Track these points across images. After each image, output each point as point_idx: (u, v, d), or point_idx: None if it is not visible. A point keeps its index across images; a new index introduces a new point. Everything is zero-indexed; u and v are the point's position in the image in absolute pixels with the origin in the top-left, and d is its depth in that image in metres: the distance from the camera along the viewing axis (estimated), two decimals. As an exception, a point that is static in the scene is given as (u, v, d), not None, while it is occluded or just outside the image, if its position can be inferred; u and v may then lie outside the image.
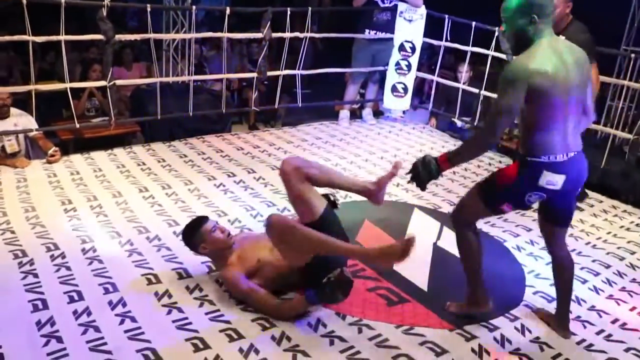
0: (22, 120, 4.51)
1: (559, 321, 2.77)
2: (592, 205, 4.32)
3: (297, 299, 2.66)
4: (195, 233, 2.82)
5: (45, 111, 5.34)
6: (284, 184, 2.84)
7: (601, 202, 4.42)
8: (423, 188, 2.59)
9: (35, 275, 2.86)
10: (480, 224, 3.78)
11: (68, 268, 2.95)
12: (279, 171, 2.85)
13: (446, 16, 5.52)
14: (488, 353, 2.54)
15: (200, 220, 2.87)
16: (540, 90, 2.31)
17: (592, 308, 2.96)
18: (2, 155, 4.39)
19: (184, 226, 2.93)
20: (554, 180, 2.45)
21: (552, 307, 2.92)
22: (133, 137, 5.68)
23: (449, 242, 3.51)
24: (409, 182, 2.59)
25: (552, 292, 3.04)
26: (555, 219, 2.65)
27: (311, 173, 2.82)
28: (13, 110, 4.51)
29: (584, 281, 3.21)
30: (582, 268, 3.34)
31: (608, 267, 3.40)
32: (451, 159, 2.50)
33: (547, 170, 2.43)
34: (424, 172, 2.51)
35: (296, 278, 2.76)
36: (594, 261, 3.45)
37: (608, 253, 3.57)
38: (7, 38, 4.45)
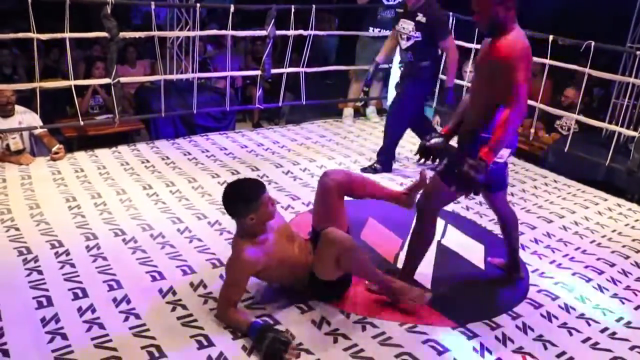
0: (27, 118, 4.52)
1: (513, 267, 3.12)
2: (597, 204, 4.30)
3: (245, 322, 2.48)
4: (253, 200, 2.46)
5: (50, 109, 5.35)
6: (321, 196, 2.82)
7: (606, 200, 4.40)
8: (478, 192, 2.67)
9: (40, 272, 2.87)
10: (484, 222, 3.79)
11: (72, 265, 2.96)
12: (320, 183, 2.82)
13: (450, 13, 5.49)
14: (490, 352, 2.53)
15: (260, 187, 2.52)
16: (528, 69, 2.50)
17: (596, 306, 2.95)
18: (7, 152, 4.40)
19: (235, 186, 2.56)
20: (503, 154, 2.64)
21: (555, 305, 2.92)
22: (137, 135, 5.69)
23: (453, 240, 3.51)
24: (460, 194, 2.72)
25: (557, 290, 3.06)
26: (494, 186, 2.86)
27: (354, 187, 2.85)
28: (18, 107, 4.52)
29: (589, 279, 3.20)
30: (586, 266, 3.34)
31: (613, 265, 3.39)
32: (494, 149, 2.50)
33: None
34: (476, 175, 2.49)
35: (300, 286, 2.73)
36: (598, 259, 3.44)
37: (613, 251, 3.56)
38: (12, 36, 4.48)
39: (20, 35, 4.29)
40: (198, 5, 4.98)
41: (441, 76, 5.05)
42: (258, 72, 5.36)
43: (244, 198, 2.48)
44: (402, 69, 4.60)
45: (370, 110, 6.19)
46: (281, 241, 2.63)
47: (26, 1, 4.04)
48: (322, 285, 2.66)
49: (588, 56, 4.67)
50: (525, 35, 2.56)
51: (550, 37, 4.82)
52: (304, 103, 5.69)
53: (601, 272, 3.29)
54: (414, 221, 2.91)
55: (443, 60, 4.77)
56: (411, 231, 2.94)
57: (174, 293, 2.76)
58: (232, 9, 4.89)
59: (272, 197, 2.57)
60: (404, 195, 2.98)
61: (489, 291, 3.05)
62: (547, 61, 4.92)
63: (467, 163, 2.49)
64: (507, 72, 2.45)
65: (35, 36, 4.17)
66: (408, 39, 4.31)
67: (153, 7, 4.67)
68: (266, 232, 2.57)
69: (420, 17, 4.22)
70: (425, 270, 3.14)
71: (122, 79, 4.80)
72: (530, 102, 5.29)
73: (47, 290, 2.73)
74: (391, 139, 4.63)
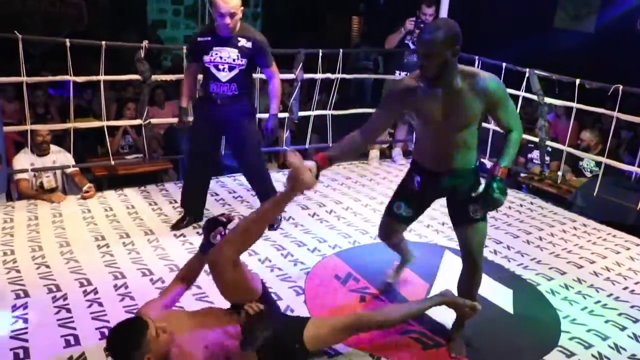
0: (60, 157, 4.63)
1: None
2: (628, 249, 4.21)
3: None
4: (140, 344, 2.16)
5: (81, 148, 5.47)
6: (217, 277, 2.38)
7: (638, 245, 4.30)
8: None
9: (68, 310, 2.90)
10: (512, 266, 3.74)
11: (100, 304, 2.98)
12: (210, 263, 2.40)
13: (476, 57, 5.54)
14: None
15: (139, 329, 2.19)
16: None
17: (632, 357, 2.86)
18: (40, 190, 4.50)
19: (114, 342, 2.20)
20: None
21: (589, 354, 2.84)
22: (165, 174, 5.77)
23: (481, 285, 3.45)
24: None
25: (590, 338, 2.98)
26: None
27: (245, 247, 2.47)
28: (52, 147, 4.64)
29: (623, 328, 3.11)
30: (620, 314, 3.25)
31: (648, 313, 3.30)
32: (509, 164, 2.55)
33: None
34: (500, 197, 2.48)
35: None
36: (632, 307, 3.34)
37: (647, 298, 3.47)
38: (50, 78, 4.63)
39: (59, 77, 4.44)
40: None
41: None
42: (285, 115, 5.43)
43: (129, 350, 2.17)
44: (216, 105, 3.81)
45: (397, 152, 6.20)
46: (197, 345, 2.29)
47: (62, 44, 4.20)
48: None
49: (615, 98, 4.64)
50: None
51: (577, 81, 4.83)
52: (330, 145, 5.73)
53: (636, 321, 3.20)
54: (466, 268, 2.78)
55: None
56: (465, 278, 2.81)
57: (201, 334, 2.75)
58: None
59: (159, 324, 2.24)
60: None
61: (518, 337, 2.97)
62: (574, 104, 4.92)
63: (494, 187, 2.47)
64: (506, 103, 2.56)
65: (72, 79, 4.31)
66: (231, 68, 3.75)
67: (185, 51, 4.79)
68: (171, 352, 2.25)
69: (245, 42, 3.72)
70: (452, 316, 3.09)
71: (153, 120, 4.90)
72: (556, 145, 5.31)
73: (74, 328, 2.75)
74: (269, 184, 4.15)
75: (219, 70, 3.74)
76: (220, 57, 3.72)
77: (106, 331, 2.73)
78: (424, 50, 2.42)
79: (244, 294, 2.41)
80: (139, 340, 2.17)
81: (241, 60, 3.73)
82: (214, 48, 3.71)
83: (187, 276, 2.66)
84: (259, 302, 2.36)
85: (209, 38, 3.73)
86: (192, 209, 4.13)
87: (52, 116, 6.79)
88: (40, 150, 4.52)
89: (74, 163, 4.68)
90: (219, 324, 2.39)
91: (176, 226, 4.03)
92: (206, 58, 3.73)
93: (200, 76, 4.02)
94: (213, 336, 2.33)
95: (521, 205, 4.99)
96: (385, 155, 6.37)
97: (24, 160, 4.48)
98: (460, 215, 2.70)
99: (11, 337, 2.65)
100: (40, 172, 4.51)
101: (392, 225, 2.98)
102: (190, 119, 4.09)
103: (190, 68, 3.96)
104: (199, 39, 3.77)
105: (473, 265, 2.74)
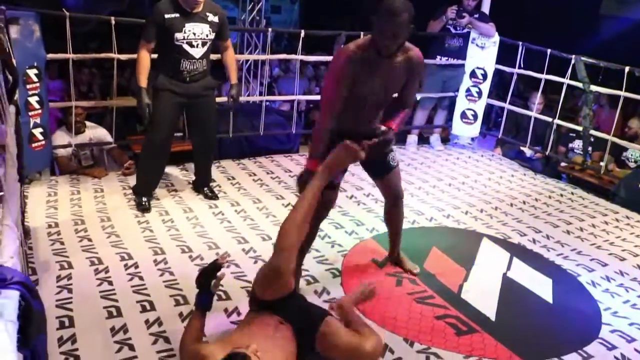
0: (97, 134, 4.69)
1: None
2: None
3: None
4: None
5: (120, 125, 5.54)
6: (277, 285, 2.33)
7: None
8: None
9: (110, 283, 2.97)
10: (552, 255, 3.67)
11: (141, 278, 3.04)
12: (271, 270, 2.35)
13: (520, 43, 5.41)
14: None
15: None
16: None
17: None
18: (78, 166, 4.58)
19: None
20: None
21: (632, 348, 2.78)
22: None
23: (519, 273, 3.42)
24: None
25: (633, 332, 2.92)
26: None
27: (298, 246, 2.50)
28: (88, 123, 4.70)
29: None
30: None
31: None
32: (396, 128, 2.92)
33: None
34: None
35: None
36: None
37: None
38: (95, 55, 4.69)
39: (103, 55, 4.49)
40: (270, 29, 5.08)
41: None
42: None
43: None
44: (185, 82, 3.80)
45: (435, 138, 6.13)
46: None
47: (104, 23, 4.27)
48: None
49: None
50: None
51: (627, 68, 4.69)
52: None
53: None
54: (394, 203, 3.18)
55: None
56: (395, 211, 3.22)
57: (239, 313, 2.78)
58: (302, 34, 4.96)
59: (251, 349, 2.03)
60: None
61: (557, 327, 2.93)
62: (622, 93, 4.78)
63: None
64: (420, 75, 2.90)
65: (116, 56, 4.36)
66: (203, 44, 3.74)
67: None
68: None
69: (213, 17, 3.72)
70: (490, 303, 3.06)
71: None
72: (601, 134, 5.18)
73: (116, 301, 2.81)
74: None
75: (192, 47, 3.71)
76: (194, 34, 3.69)
77: (147, 305, 2.78)
78: (396, 30, 2.57)
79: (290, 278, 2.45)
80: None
81: (212, 35, 3.78)
82: (187, 25, 3.66)
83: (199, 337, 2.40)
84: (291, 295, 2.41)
85: (177, 15, 3.64)
86: (151, 191, 4.04)
87: (95, 94, 6.91)
88: (76, 129, 4.58)
89: (111, 138, 4.73)
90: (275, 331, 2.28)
91: (146, 210, 3.90)
92: (178, 35, 3.66)
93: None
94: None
95: (561, 195, 4.90)
96: (423, 140, 6.31)
97: (61, 137, 4.55)
98: (382, 167, 3.03)
99: (57, 306, 2.72)
100: (77, 149, 4.58)
101: (335, 197, 3.05)
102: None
103: (150, 45, 3.74)
104: (165, 16, 3.63)
105: (399, 201, 3.18)
